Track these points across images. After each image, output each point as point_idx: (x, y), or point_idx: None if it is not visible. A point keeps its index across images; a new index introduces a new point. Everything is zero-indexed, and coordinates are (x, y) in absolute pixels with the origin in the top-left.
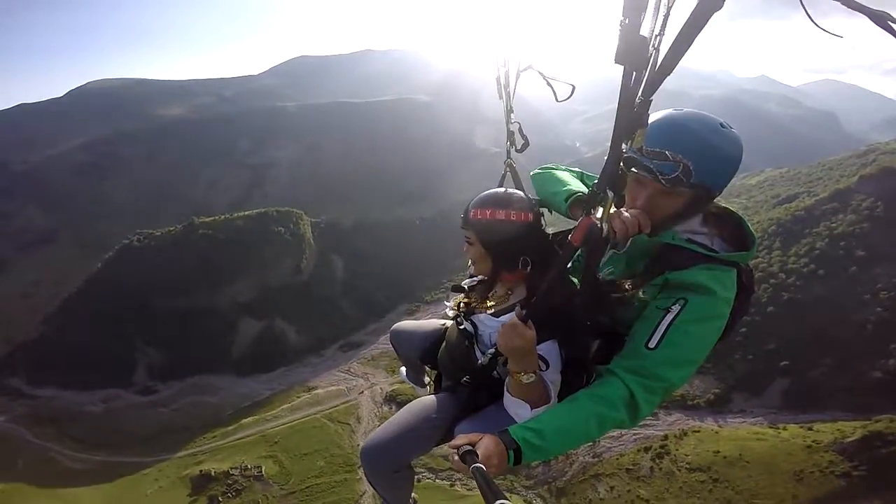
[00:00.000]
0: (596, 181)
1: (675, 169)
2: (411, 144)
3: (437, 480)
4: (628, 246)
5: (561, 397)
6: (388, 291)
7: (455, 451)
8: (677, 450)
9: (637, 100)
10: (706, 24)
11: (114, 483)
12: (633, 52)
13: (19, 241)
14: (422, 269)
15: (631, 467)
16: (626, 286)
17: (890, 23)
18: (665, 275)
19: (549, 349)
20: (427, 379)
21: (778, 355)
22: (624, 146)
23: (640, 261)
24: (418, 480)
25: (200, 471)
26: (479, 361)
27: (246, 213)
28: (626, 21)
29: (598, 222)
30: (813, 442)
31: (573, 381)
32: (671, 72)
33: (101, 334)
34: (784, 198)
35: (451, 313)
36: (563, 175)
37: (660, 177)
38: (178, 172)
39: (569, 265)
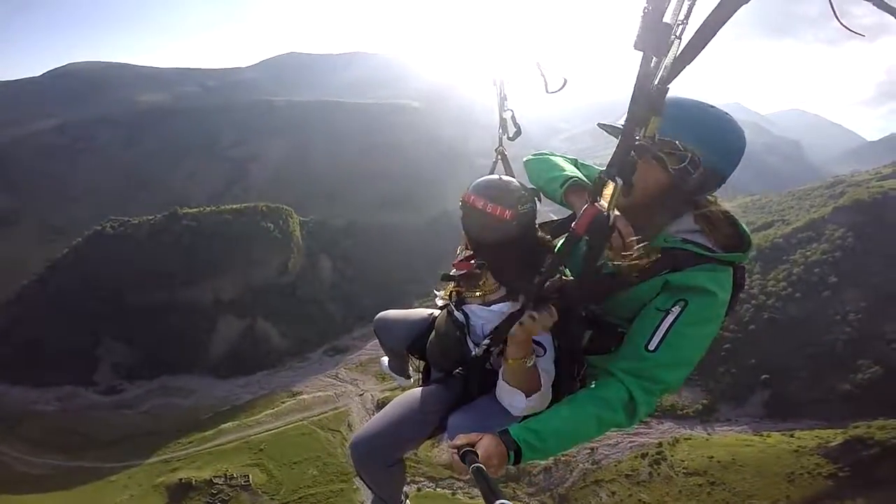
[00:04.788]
0: (604, 168)
1: (683, 159)
2: (401, 149)
3: (437, 489)
4: None
5: (554, 388)
6: (377, 296)
7: (455, 451)
8: (673, 455)
9: (654, 87)
10: (733, 14)
11: (76, 490)
12: (654, 39)
13: None
14: (411, 276)
15: (630, 473)
16: (625, 281)
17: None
18: (665, 276)
19: (544, 336)
20: (412, 371)
21: (759, 369)
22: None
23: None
24: (419, 490)
25: (180, 479)
26: (473, 353)
27: (234, 206)
28: (650, 8)
29: (604, 210)
30: (798, 447)
31: (565, 372)
32: (692, 61)
33: (62, 327)
34: (760, 225)
35: (440, 303)
36: (558, 160)
37: (669, 166)
38: (156, 161)
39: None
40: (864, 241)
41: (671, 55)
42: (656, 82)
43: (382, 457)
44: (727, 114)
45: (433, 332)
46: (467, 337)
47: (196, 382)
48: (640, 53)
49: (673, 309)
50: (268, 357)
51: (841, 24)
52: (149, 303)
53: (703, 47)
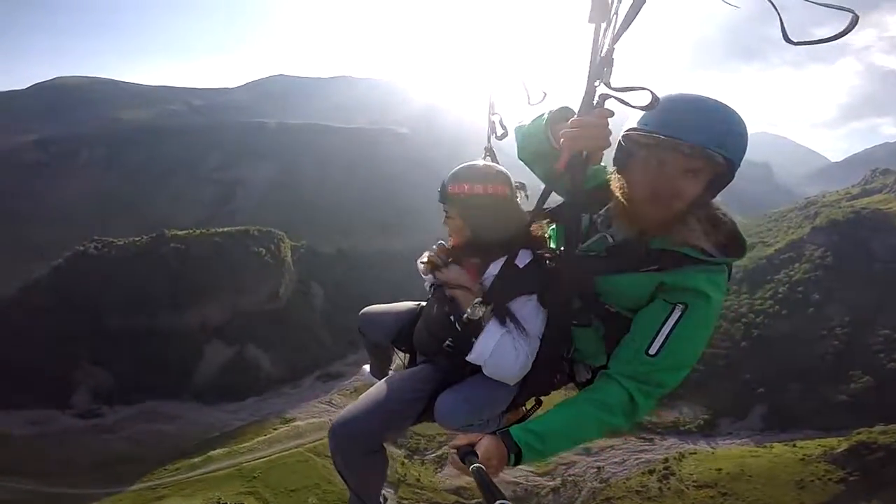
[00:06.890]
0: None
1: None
2: (391, 175)
3: None
4: (616, 233)
5: (540, 363)
6: None
7: (455, 451)
8: (680, 470)
9: (603, 48)
10: None
11: None
12: (599, 13)
13: None
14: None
15: (640, 489)
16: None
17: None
18: (659, 276)
19: (522, 304)
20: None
21: (754, 384)
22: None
23: (627, 255)
24: None
25: None
26: (467, 315)
27: (225, 229)
28: None
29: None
30: (805, 455)
31: (553, 351)
32: (628, 28)
33: (36, 348)
34: None
35: (428, 285)
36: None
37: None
38: (139, 181)
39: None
40: (842, 259)
41: (611, 27)
42: (606, 46)
43: (365, 441)
44: (720, 101)
45: (421, 319)
46: (455, 312)
47: (182, 408)
48: (593, 26)
49: (674, 312)
50: (258, 383)
51: (788, 40)
52: (131, 327)
53: (633, 19)
